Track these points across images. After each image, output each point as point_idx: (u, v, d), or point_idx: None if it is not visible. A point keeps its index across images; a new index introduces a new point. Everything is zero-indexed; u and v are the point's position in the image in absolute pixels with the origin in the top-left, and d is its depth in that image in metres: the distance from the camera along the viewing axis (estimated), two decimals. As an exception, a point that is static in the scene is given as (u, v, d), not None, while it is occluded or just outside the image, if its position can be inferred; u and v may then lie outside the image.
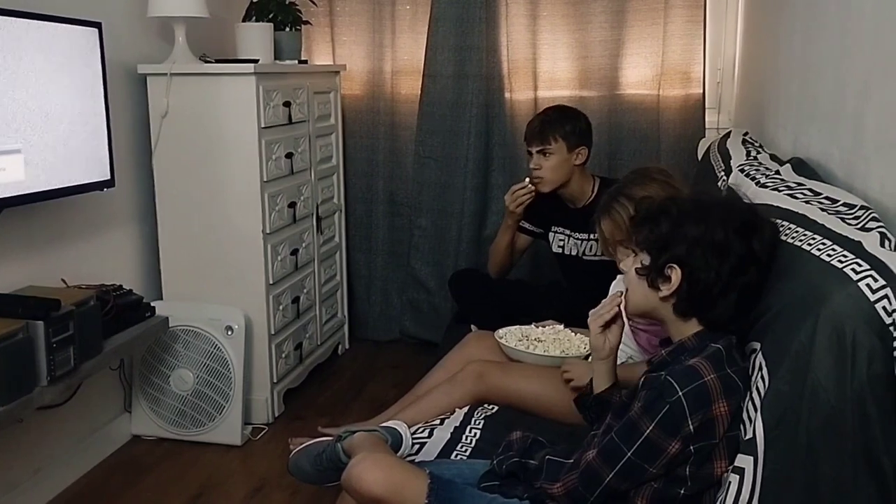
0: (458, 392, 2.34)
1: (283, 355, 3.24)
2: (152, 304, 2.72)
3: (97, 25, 2.53)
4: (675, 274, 1.55)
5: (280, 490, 2.67)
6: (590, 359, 2.31)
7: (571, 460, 1.60)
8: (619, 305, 1.74)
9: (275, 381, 3.19)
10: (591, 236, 2.97)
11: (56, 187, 2.39)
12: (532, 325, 2.58)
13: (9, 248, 2.41)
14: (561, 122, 2.93)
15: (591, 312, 1.80)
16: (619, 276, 2.29)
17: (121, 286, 2.62)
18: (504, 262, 3.18)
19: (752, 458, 1.36)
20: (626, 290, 1.69)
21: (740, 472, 1.38)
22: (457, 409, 2.30)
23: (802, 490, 1.30)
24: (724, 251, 1.52)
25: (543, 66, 3.80)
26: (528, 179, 2.98)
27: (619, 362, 2.25)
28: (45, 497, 2.61)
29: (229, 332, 2.96)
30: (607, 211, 2.16)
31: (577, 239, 3.00)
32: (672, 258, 1.55)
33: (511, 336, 2.50)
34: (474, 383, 2.34)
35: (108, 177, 2.62)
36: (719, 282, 1.52)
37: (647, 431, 1.47)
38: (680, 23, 3.62)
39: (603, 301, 1.80)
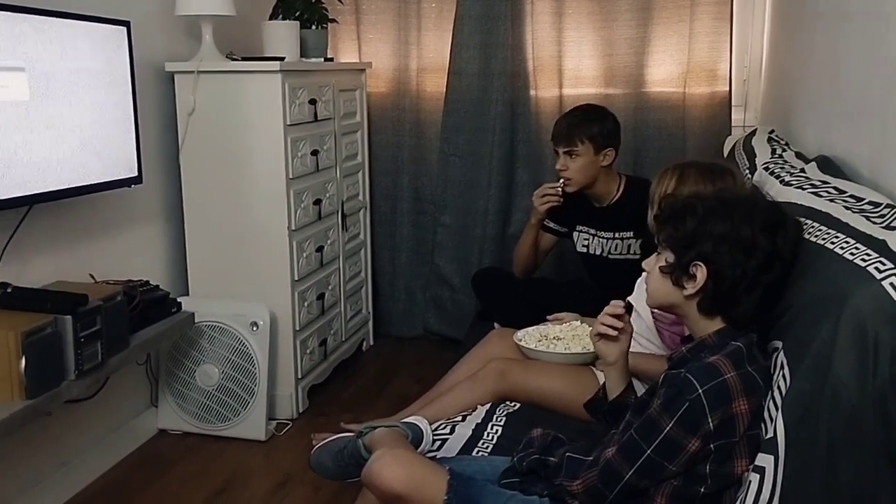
0: (480, 389, 2.34)
1: (308, 351, 3.27)
2: (178, 299, 2.75)
3: (126, 24, 2.56)
4: (701, 272, 1.54)
5: (303, 485, 2.69)
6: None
7: (591, 457, 1.60)
8: (621, 315, 1.75)
9: (299, 376, 3.21)
10: (616, 235, 2.95)
11: (85, 184, 2.42)
12: (547, 323, 2.57)
13: (38, 243, 2.45)
14: (588, 123, 2.90)
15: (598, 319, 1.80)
16: (643, 275, 2.28)
17: (147, 282, 2.65)
18: (529, 263, 3.18)
19: (772, 457, 1.35)
20: (647, 287, 1.68)
21: (761, 471, 1.37)
22: (478, 406, 2.31)
23: (823, 489, 1.29)
24: (751, 248, 1.51)
25: (569, 63, 3.79)
26: (562, 181, 2.96)
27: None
28: (73, 490, 2.65)
29: (254, 328, 2.98)
30: (662, 173, 2.18)
31: (602, 238, 2.99)
32: (698, 256, 1.54)
33: (530, 337, 2.48)
34: (496, 381, 2.34)
35: (136, 174, 2.65)
36: (745, 279, 1.51)
37: (667, 429, 1.46)
38: (706, 20, 3.60)
39: (604, 310, 1.80)
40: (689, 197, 1.66)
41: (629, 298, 2.32)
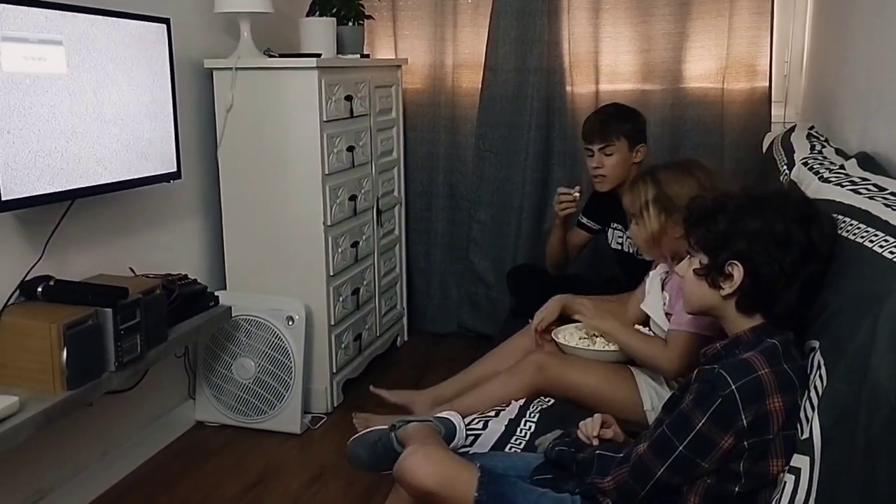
0: (517, 383, 2.34)
1: (343, 346, 3.29)
2: (216, 293, 2.78)
3: (166, 21, 2.60)
4: (738, 270, 1.52)
5: (337, 479, 2.71)
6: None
7: (622, 454, 1.59)
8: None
9: (334, 371, 3.23)
10: None
11: (125, 179, 2.46)
12: None
13: (80, 237, 2.49)
14: (622, 120, 2.92)
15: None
16: (651, 273, 2.30)
17: (186, 276, 2.68)
18: (559, 259, 3.18)
19: (808, 458, 1.33)
20: (683, 292, 1.66)
21: (796, 472, 1.35)
22: (513, 401, 2.30)
23: (859, 491, 1.27)
24: (786, 242, 1.49)
25: (605, 59, 3.76)
26: (577, 188, 3.01)
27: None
28: (112, 480, 2.70)
29: (290, 323, 3.01)
30: (631, 184, 2.27)
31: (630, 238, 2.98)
32: (733, 255, 1.53)
33: (569, 333, 2.49)
34: (534, 375, 2.34)
35: (175, 169, 2.69)
36: (783, 274, 1.49)
37: (699, 425, 1.45)
38: (746, 15, 3.55)
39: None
40: (719, 196, 1.65)
41: (641, 306, 2.32)
